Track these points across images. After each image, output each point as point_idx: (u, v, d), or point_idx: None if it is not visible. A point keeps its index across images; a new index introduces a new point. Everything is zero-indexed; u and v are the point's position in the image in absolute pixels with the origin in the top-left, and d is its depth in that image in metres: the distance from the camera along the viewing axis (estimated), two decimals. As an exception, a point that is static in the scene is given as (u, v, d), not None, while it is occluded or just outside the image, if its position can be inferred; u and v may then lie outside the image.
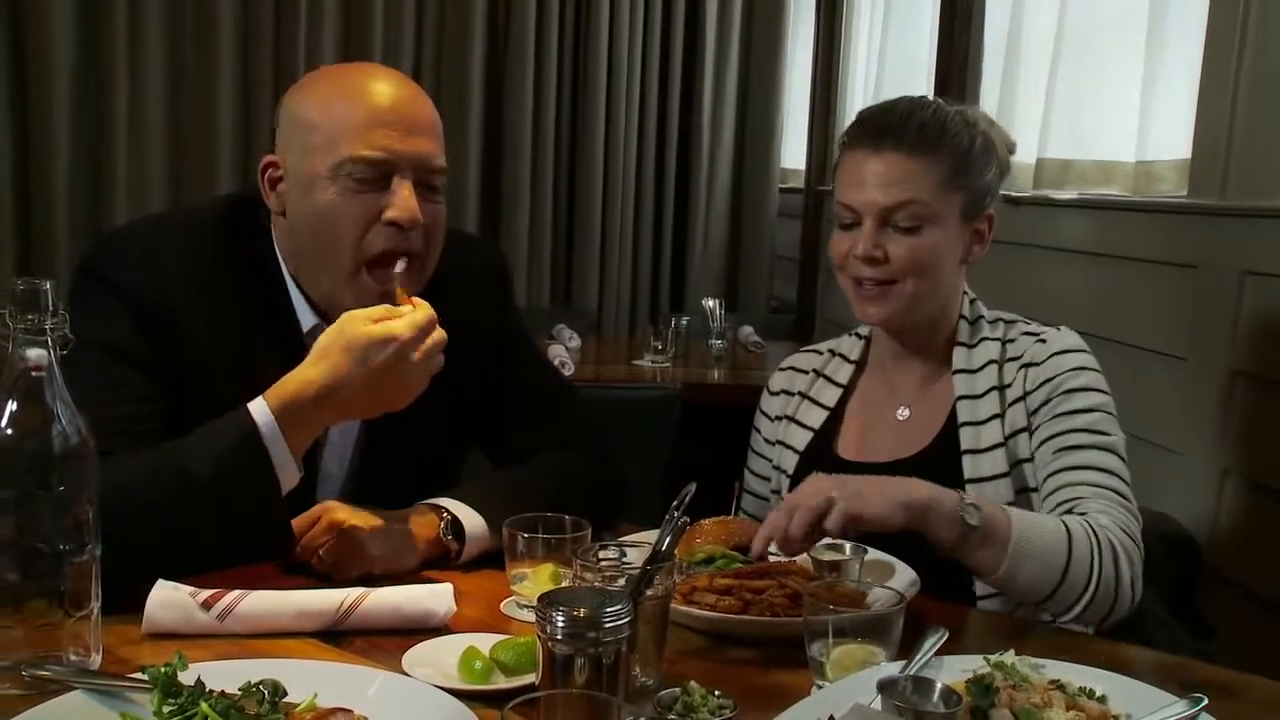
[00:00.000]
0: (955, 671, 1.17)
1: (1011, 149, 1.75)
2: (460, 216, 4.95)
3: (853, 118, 1.74)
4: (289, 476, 1.44)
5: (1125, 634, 1.53)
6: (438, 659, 1.23)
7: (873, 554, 1.48)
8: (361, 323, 1.44)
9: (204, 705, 1.03)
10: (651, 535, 1.34)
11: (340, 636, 1.32)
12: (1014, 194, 3.14)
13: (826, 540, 1.43)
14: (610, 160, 5.23)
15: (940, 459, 1.65)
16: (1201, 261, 2.41)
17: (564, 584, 1.33)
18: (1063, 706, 1.11)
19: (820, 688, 1.19)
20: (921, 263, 1.63)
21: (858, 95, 4.70)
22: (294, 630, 1.31)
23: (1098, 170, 2.98)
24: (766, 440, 1.87)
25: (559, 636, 1.04)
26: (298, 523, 1.50)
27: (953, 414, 1.67)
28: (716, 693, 1.15)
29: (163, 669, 1.07)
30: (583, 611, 1.05)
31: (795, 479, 1.77)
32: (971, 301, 1.74)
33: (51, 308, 1.13)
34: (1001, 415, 1.65)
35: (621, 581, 1.21)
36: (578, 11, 5.13)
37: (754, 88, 5.49)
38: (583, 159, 5.21)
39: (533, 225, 5.15)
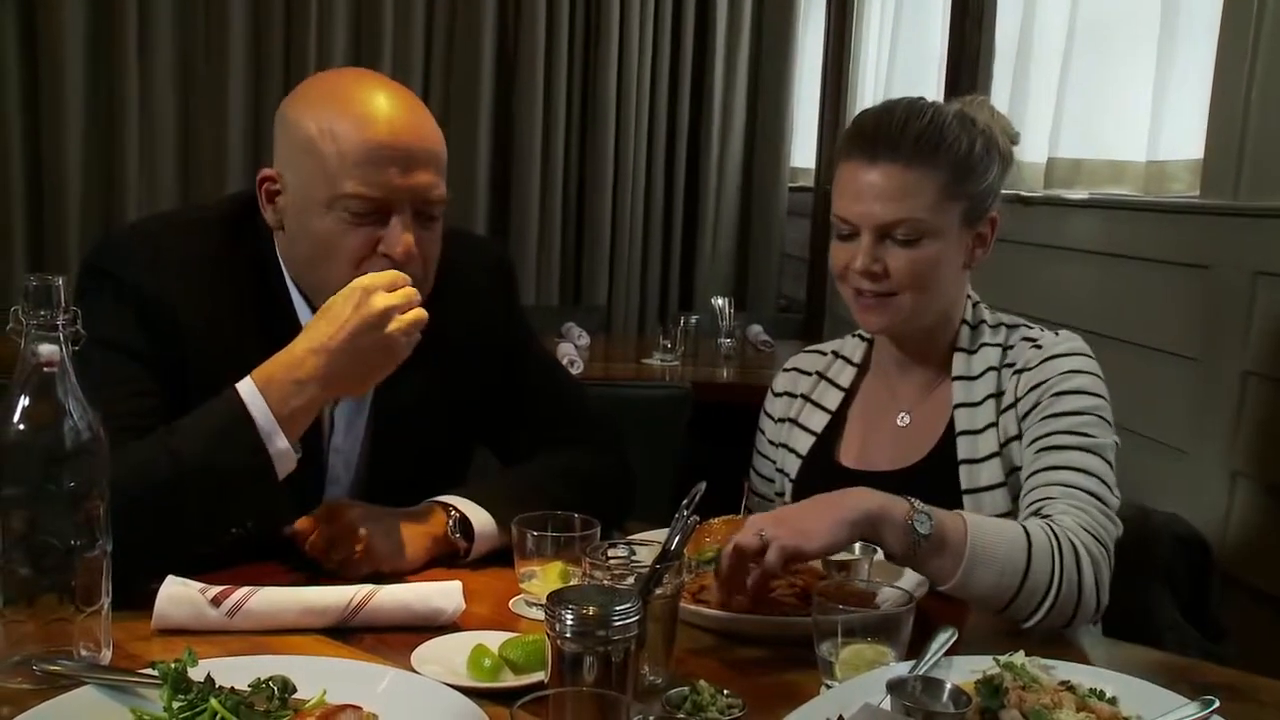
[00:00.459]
0: (964, 672, 1.17)
1: (1014, 139, 1.72)
2: (470, 214, 4.96)
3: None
4: (282, 452, 1.42)
5: (1136, 635, 1.53)
6: (446, 656, 1.23)
7: (882, 554, 1.47)
8: (344, 292, 1.45)
9: (214, 701, 1.03)
10: (661, 534, 1.34)
11: (349, 633, 1.32)
12: (1024, 193, 3.13)
13: None
14: (620, 158, 5.23)
15: (938, 469, 1.64)
16: (1213, 262, 2.40)
17: (573, 582, 1.33)
18: (1073, 708, 1.11)
19: (829, 687, 1.19)
20: (921, 275, 1.61)
21: (868, 94, 4.68)
22: (303, 627, 1.32)
23: (1109, 170, 2.97)
24: (770, 442, 1.86)
25: (568, 635, 1.04)
26: (306, 521, 1.50)
27: (952, 422, 1.66)
28: (725, 692, 1.15)
29: (173, 665, 1.07)
30: (592, 610, 1.05)
31: (797, 484, 1.76)
32: (974, 305, 1.73)
33: (63, 304, 1.13)
34: (996, 424, 1.64)
35: (630, 580, 1.21)
36: (588, 10, 5.13)
37: (764, 87, 5.48)
38: (592, 157, 5.21)
39: (542, 223, 5.16)
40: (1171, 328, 2.52)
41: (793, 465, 1.78)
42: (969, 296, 1.73)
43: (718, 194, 5.45)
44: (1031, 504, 1.52)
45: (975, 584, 1.37)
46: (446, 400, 1.52)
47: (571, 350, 3.59)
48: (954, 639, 1.22)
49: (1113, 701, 1.15)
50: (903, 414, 1.74)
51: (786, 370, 1.89)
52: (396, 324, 1.44)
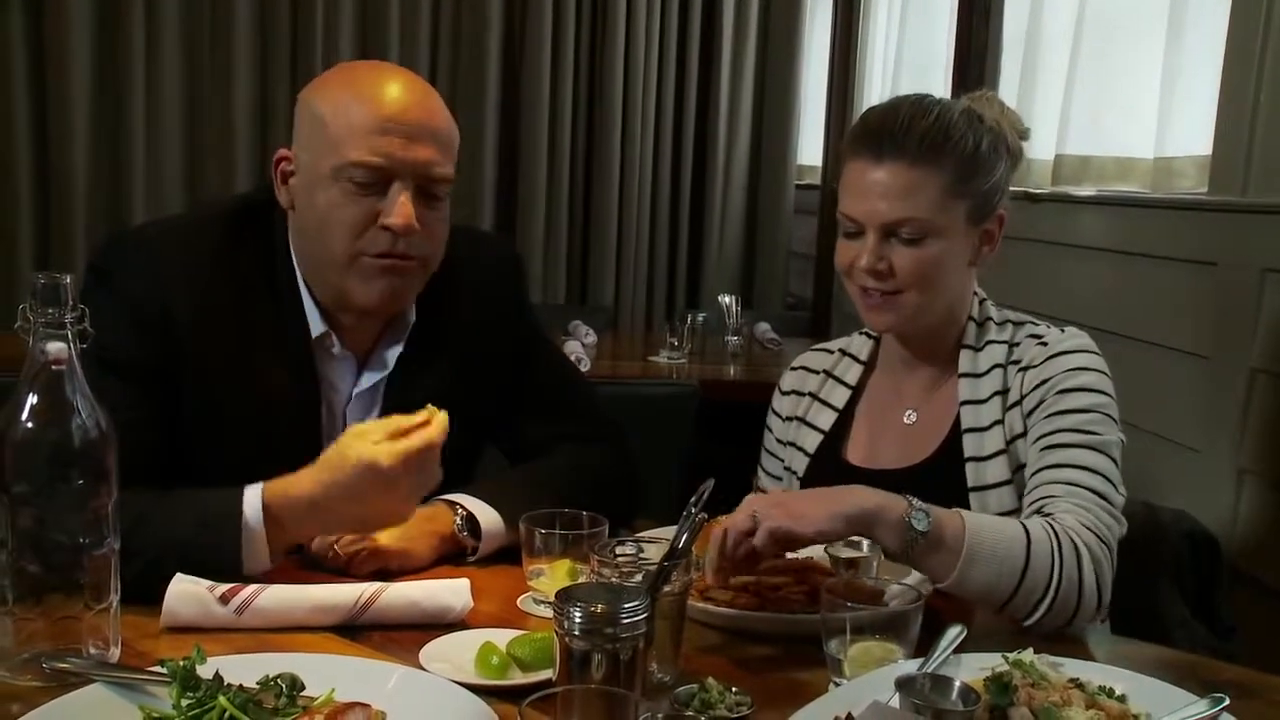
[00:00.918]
0: (973, 669, 1.17)
1: (1024, 135, 1.72)
2: (477, 212, 4.96)
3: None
4: (257, 564, 1.41)
5: (1145, 632, 1.52)
6: (455, 654, 1.23)
7: (888, 551, 1.47)
8: (363, 443, 1.42)
9: (222, 699, 1.04)
10: (669, 532, 1.34)
11: (357, 631, 1.32)
12: (1032, 190, 3.12)
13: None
14: (626, 156, 5.22)
15: (944, 466, 1.64)
16: (1222, 259, 2.39)
17: (581, 580, 1.33)
18: (1082, 705, 1.11)
19: (838, 685, 1.19)
20: (926, 274, 1.61)
21: (875, 91, 4.68)
22: (311, 624, 1.32)
23: (1116, 166, 2.96)
24: (778, 440, 1.86)
25: (576, 632, 1.04)
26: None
27: (958, 419, 1.66)
28: (734, 689, 1.15)
29: (181, 662, 1.07)
30: (600, 607, 1.05)
31: (805, 482, 1.76)
32: (981, 302, 1.72)
33: (71, 302, 1.14)
34: (1002, 421, 1.63)
35: (639, 578, 1.21)
36: (594, 7, 5.12)
37: (770, 83, 5.48)
38: (599, 155, 5.20)
39: (549, 221, 5.15)
40: (1179, 325, 2.52)
41: (801, 463, 1.78)
42: (976, 294, 1.72)
43: (724, 191, 5.45)
44: (1035, 502, 1.52)
45: (972, 581, 1.37)
46: (456, 398, 1.52)
47: (579, 348, 3.59)
48: (963, 636, 1.22)
49: (1122, 699, 1.14)
50: (909, 411, 1.74)
51: (794, 368, 1.89)
52: (405, 485, 1.43)
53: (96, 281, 1.54)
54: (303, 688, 1.08)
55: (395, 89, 1.54)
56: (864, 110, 1.73)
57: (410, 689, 1.12)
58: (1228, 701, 1.10)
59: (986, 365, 1.67)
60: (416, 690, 1.12)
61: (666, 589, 1.19)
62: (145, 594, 1.29)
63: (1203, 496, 2.34)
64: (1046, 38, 3.25)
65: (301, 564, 1.50)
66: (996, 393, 1.65)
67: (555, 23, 5.03)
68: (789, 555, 1.44)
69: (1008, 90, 3.40)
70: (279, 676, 1.08)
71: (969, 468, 1.63)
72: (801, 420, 1.81)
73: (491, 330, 1.75)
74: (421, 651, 1.24)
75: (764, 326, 4.27)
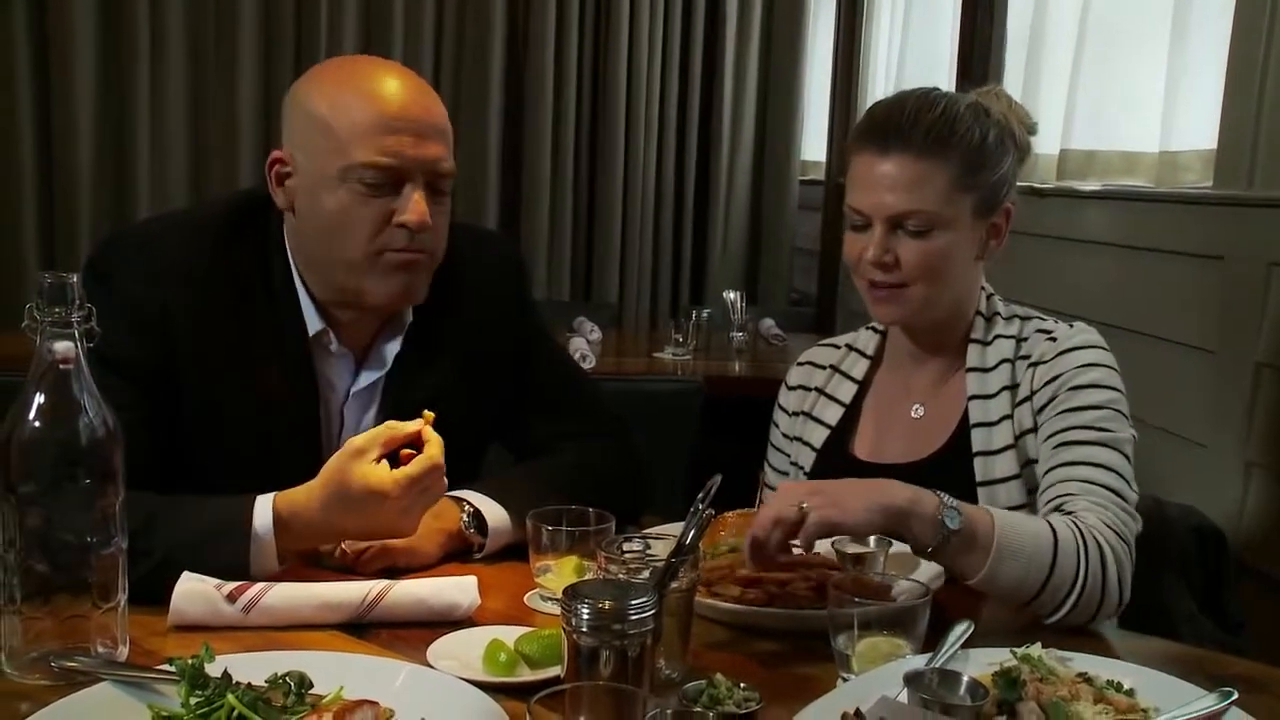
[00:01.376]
0: (981, 664, 1.17)
1: (1031, 129, 1.71)
2: (481, 209, 4.96)
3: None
4: (264, 572, 1.41)
5: (1153, 627, 1.52)
6: (462, 651, 1.23)
7: (897, 546, 1.47)
8: (363, 465, 1.41)
9: (230, 697, 1.04)
10: (675, 528, 1.34)
11: (365, 629, 1.32)
12: (1037, 185, 3.12)
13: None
14: (630, 152, 5.22)
15: (953, 461, 1.64)
16: (1228, 253, 2.39)
17: (588, 576, 1.33)
18: (1090, 700, 1.10)
19: (846, 680, 1.19)
20: (932, 267, 1.61)
21: (879, 87, 4.67)
22: (319, 622, 1.32)
23: (1122, 161, 2.96)
24: (785, 435, 1.86)
25: (584, 629, 1.04)
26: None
27: (966, 414, 1.66)
28: (742, 685, 1.14)
29: (189, 661, 1.07)
30: (607, 604, 1.05)
31: (812, 477, 1.75)
32: (988, 297, 1.72)
33: (78, 301, 1.14)
34: (1011, 416, 1.63)
35: (646, 574, 1.21)
36: (598, 5, 5.12)
37: (774, 79, 5.47)
38: (603, 151, 5.20)
39: (553, 218, 5.15)
40: (1185, 319, 2.51)
41: (807, 458, 1.78)
42: (983, 288, 1.72)
43: (728, 187, 5.45)
44: (1051, 500, 1.52)
45: (1002, 578, 1.37)
46: (459, 395, 1.52)
47: (583, 345, 3.59)
48: (970, 631, 1.22)
49: (1130, 693, 1.14)
50: (917, 406, 1.73)
51: (800, 364, 1.89)
52: (406, 505, 1.43)
53: (96, 282, 1.54)
54: (311, 686, 1.08)
55: (394, 85, 1.54)
56: (870, 104, 1.73)
57: (418, 686, 1.12)
58: (1236, 695, 1.10)
59: (994, 360, 1.67)
60: (424, 688, 1.12)
61: (674, 585, 1.19)
62: (153, 594, 1.29)
63: (1210, 491, 2.33)
64: (1051, 32, 3.24)
65: (308, 562, 1.50)
66: (1005, 387, 1.65)
67: (559, 21, 5.03)
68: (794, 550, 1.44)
69: (1012, 85, 3.40)
70: (287, 674, 1.08)
71: (977, 462, 1.62)
72: (808, 415, 1.81)
73: (493, 329, 1.75)
74: (429, 649, 1.24)
75: (769, 322, 4.27)
